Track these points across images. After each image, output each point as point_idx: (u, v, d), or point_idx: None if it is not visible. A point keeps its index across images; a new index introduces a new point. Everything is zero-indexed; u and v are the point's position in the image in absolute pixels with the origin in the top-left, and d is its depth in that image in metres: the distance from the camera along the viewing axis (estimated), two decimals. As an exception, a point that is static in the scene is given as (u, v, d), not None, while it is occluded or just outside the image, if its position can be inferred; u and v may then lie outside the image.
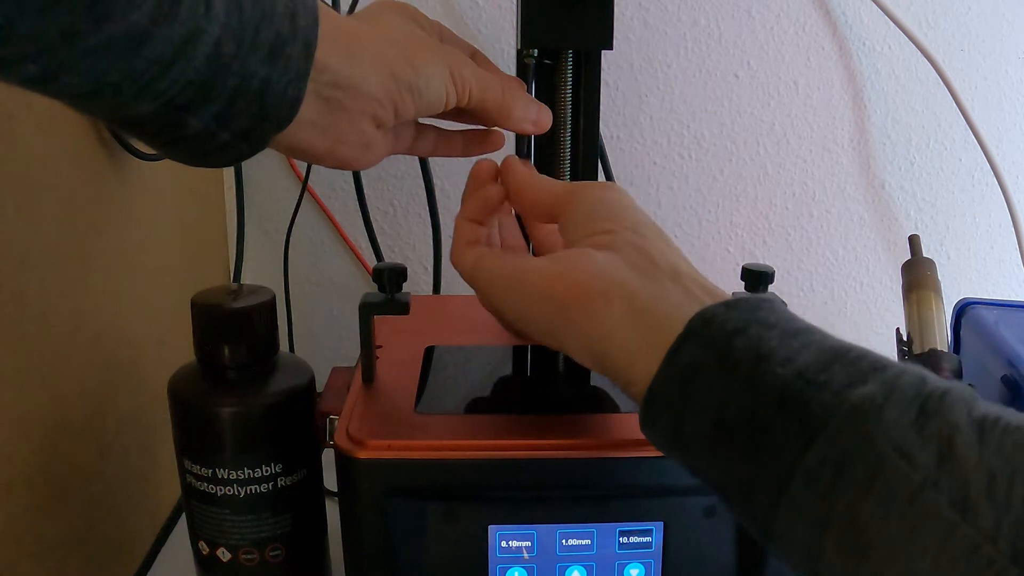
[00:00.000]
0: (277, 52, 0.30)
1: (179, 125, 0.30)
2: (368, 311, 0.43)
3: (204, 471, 0.44)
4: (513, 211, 0.45)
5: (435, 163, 0.71)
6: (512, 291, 0.36)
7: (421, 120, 0.44)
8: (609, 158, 0.73)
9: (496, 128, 0.44)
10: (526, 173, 0.41)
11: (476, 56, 0.43)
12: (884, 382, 0.27)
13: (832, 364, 0.28)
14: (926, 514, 0.25)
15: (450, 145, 0.45)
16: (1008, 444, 0.25)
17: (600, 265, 0.34)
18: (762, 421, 0.28)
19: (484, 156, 0.44)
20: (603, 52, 0.48)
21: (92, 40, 0.26)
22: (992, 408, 0.26)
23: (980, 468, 0.25)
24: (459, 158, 0.47)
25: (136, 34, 0.27)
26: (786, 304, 0.32)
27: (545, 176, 0.41)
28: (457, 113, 0.42)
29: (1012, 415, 0.26)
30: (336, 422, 0.41)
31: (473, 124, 0.44)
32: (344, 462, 0.39)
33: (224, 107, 0.30)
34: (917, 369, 0.28)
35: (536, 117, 0.42)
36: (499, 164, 0.42)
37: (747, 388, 0.28)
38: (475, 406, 0.44)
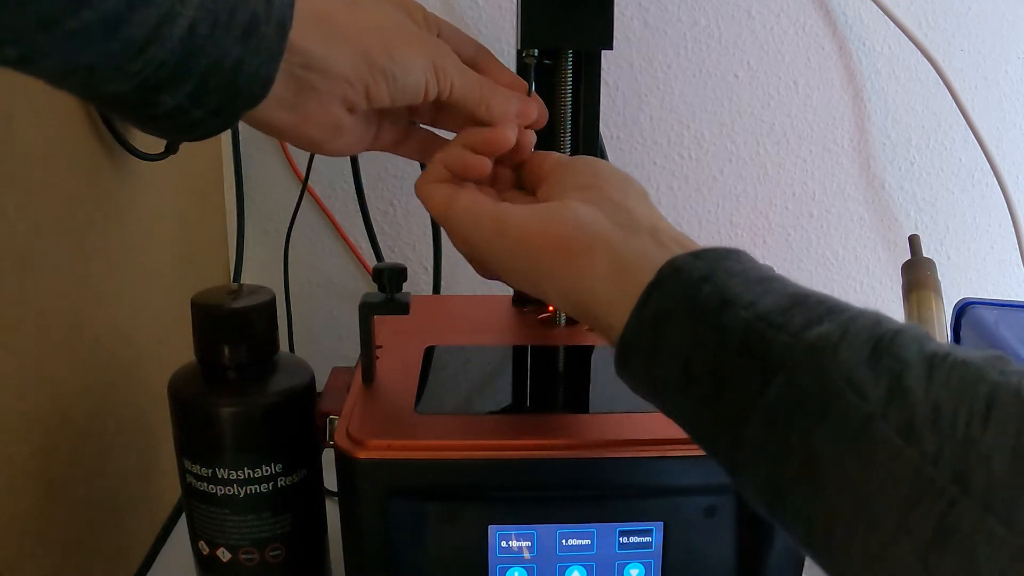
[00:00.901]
0: (251, 32, 0.31)
1: (153, 103, 0.31)
2: (368, 311, 0.43)
3: (204, 471, 0.44)
4: None
5: (435, 163, 0.71)
6: (491, 237, 0.37)
7: (417, 124, 0.44)
8: (609, 158, 0.73)
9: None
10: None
11: (480, 51, 0.43)
12: (840, 323, 0.28)
13: (792, 307, 0.29)
14: (874, 441, 0.26)
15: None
16: (955, 378, 0.26)
17: (583, 218, 0.35)
18: (726, 363, 0.29)
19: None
20: (603, 52, 0.48)
21: (70, 25, 0.27)
22: (943, 345, 0.28)
23: (927, 400, 0.26)
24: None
25: (112, 19, 0.27)
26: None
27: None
28: (446, 112, 0.42)
29: (961, 351, 0.27)
30: (336, 422, 0.41)
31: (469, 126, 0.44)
32: (344, 462, 0.39)
33: (197, 86, 0.31)
34: (872, 312, 0.29)
35: (519, 111, 0.41)
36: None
37: (712, 332, 0.30)
38: (475, 406, 0.44)
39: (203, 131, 0.33)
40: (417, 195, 0.41)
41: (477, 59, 0.42)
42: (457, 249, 0.40)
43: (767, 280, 0.31)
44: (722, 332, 0.29)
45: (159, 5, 0.28)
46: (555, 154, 0.42)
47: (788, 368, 0.28)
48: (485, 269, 0.40)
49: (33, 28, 0.26)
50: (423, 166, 0.70)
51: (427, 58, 0.38)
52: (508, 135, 0.40)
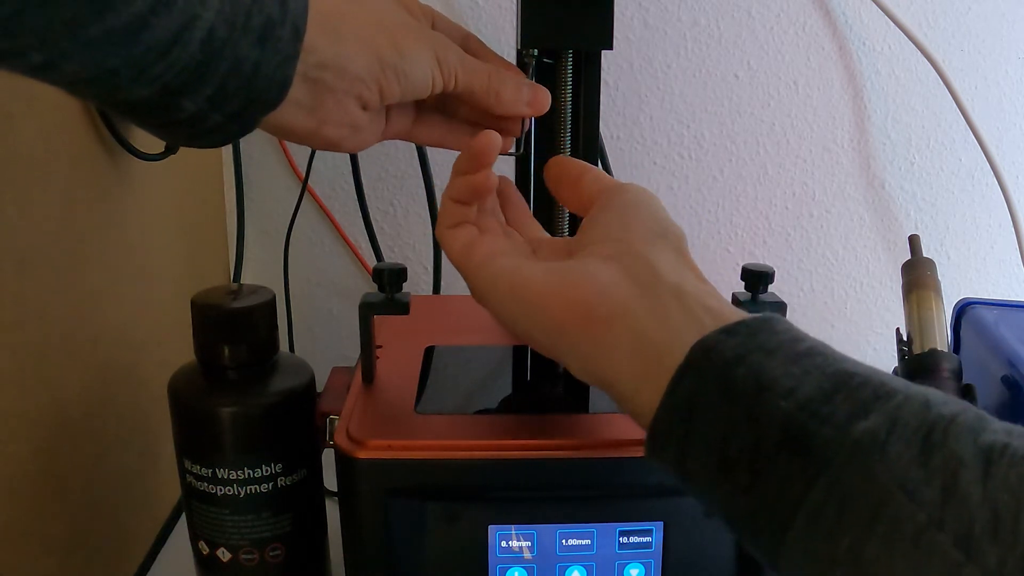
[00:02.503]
0: (267, 36, 0.31)
1: (173, 108, 0.31)
2: (368, 311, 0.43)
3: (204, 471, 0.44)
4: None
5: (435, 163, 0.71)
6: (507, 300, 0.35)
7: (427, 111, 0.43)
8: (609, 158, 0.73)
9: (504, 123, 0.43)
10: (582, 163, 0.39)
11: (470, 40, 0.43)
12: (887, 414, 0.26)
13: (835, 395, 0.27)
14: (931, 554, 0.24)
15: (457, 138, 0.44)
16: (1013, 477, 0.25)
17: (602, 284, 0.32)
18: (765, 457, 0.27)
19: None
20: (603, 52, 0.47)
21: (93, 30, 0.27)
22: (999, 433, 0.26)
23: (985, 504, 0.24)
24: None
25: (136, 23, 0.27)
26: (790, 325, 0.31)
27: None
28: (456, 101, 0.41)
29: (1018, 440, 0.26)
30: (336, 422, 0.41)
31: (479, 117, 0.43)
32: (344, 462, 0.39)
33: (216, 90, 0.31)
34: (921, 395, 0.27)
35: (531, 99, 0.41)
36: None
37: (749, 422, 0.28)
38: (475, 406, 0.44)
39: (222, 136, 0.33)
40: (438, 241, 0.39)
41: (466, 47, 0.42)
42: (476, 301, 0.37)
43: (807, 356, 0.29)
44: (760, 423, 0.28)
45: (181, 9, 0.28)
46: (603, 177, 0.39)
47: (834, 467, 0.26)
48: (502, 325, 0.37)
49: (57, 33, 0.26)
50: (423, 164, 0.70)
51: (431, 52, 0.38)
52: (492, 140, 0.37)
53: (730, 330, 0.30)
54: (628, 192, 0.37)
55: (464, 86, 0.39)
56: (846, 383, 0.28)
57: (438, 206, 0.71)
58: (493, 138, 0.37)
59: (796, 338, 0.30)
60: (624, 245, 0.34)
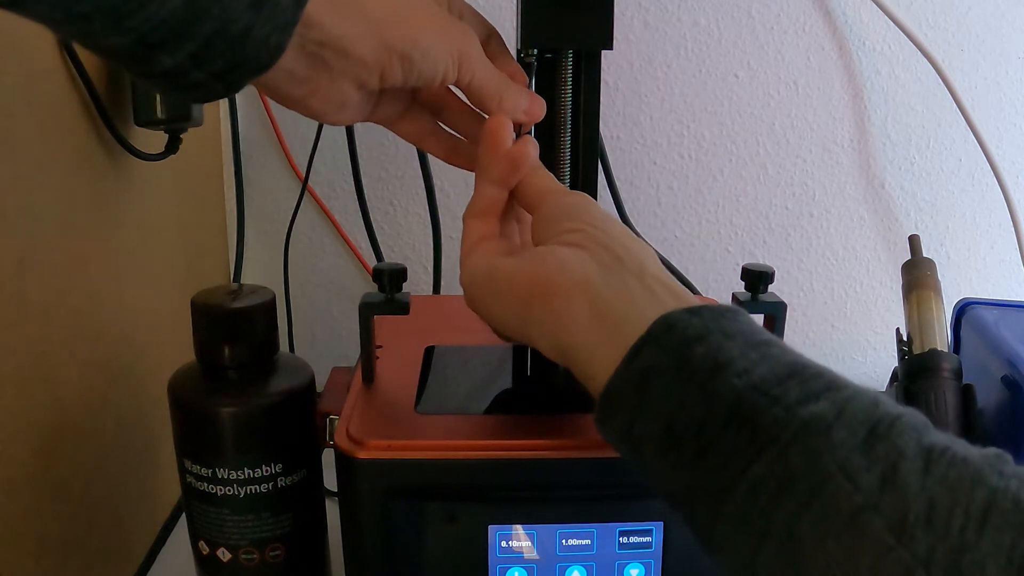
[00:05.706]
0: (265, 0, 0.30)
1: (150, 60, 0.30)
2: (368, 311, 0.43)
3: (204, 471, 0.44)
4: None
5: (435, 163, 0.71)
6: (483, 287, 0.37)
7: (418, 109, 0.43)
8: (609, 158, 0.73)
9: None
10: (535, 158, 0.41)
11: (493, 38, 0.42)
12: (836, 402, 0.27)
13: (788, 379, 0.28)
14: (863, 535, 0.25)
15: (437, 142, 0.44)
16: (952, 476, 0.25)
17: (565, 262, 0.34)
18: (713, 430, 0.28)
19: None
20: (603, 52, 0.47)
21: None
22: (942, 438, 0.27)
23: (921, 495, 0.25)
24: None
25: None
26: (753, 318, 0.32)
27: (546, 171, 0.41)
28: (448, 107, 0.41)
29: (961, 447, 0.26)
30: (336, 422, 0.41)
31: (468, 123, 0.43)
32: (344, 462, 0.39)
33: (200, 47, 0.30)
34: (872, 393, 0.28)
35: (528, 106, 0.41)
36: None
37: (701, 396, 0.28)
38: (475, 406, 0.44)
39: (205, 93, 0.32)
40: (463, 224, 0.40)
41: (488, 44, 0.42)
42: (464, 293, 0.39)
43: (764, 345, 0.30)
44: (712, 397, 0.28)
45: None
46: (547, 179, 0.40)
47: (779, 444, 0.27)
48: (489, 325, 0.39)
49: None
50: (423, 164, 0.70)
51: (453, 46, 0.37)
52: (505, 134, 0.39)
53: (694, 311, 0.31)
54: (568, 195, 0.39)
55: (477, 85, 0.39)
56: (800, 372, 0.28)
57: (438, 206, 0.71)
58: (505, 124, 0.39)
59: (755, 330, 0.31)
60: (582, 234, 0.35)
